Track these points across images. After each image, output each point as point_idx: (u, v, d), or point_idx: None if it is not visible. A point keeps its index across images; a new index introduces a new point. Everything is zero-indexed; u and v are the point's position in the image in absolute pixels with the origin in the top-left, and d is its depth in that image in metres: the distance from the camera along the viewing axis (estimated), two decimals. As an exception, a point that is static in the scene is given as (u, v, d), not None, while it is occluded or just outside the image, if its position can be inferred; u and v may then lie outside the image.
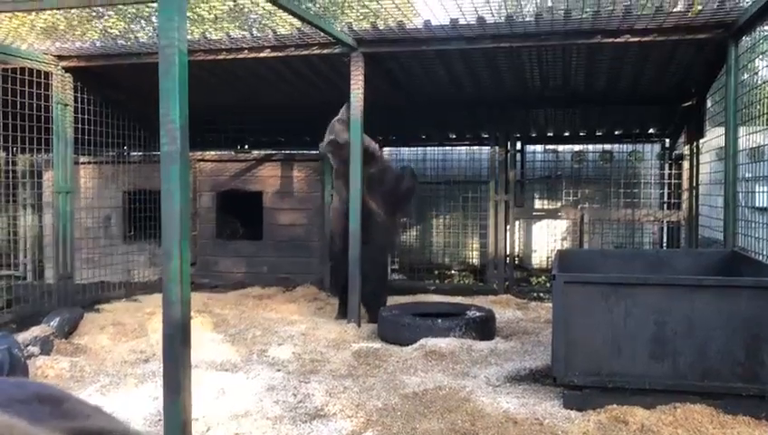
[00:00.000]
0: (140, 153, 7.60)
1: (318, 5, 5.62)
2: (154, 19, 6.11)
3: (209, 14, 5.86)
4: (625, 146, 8.02)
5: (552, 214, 7.75)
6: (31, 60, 5.88)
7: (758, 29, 4.79)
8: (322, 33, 5.21)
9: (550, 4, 6.43)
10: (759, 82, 5.24)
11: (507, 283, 7.34)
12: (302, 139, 8.82)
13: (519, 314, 5.91)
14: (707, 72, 6.18)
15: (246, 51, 5.74)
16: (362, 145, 5.53)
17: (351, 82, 5.43)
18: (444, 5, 4.67)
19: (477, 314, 4.93)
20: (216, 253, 7.91)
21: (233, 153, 8.17)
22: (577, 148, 8.39)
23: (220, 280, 7.72)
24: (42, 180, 7.48)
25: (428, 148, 8.71)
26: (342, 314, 5.61)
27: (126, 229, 7.75)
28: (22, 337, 4.43)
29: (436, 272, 8.55)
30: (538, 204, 8.48)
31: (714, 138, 6.41)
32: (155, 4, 3.94)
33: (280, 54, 5.71)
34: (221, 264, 7.88)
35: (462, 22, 5.03)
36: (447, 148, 8.69)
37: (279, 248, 7.72)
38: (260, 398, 3.63)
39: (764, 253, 4.48)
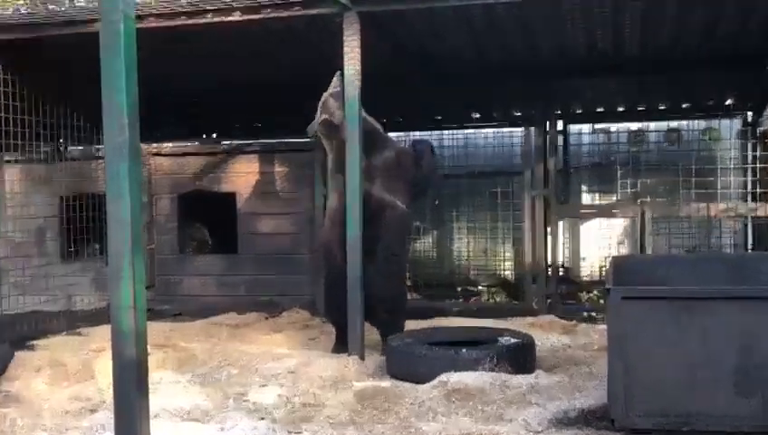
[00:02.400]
0: (80, 148, 7.63)
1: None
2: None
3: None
4: (696, 122, 8.07)
5: (604, 211, 7.74)
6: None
7: None
8: (305, -12, 5.27)
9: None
10: None
11: (549, 300, 7.36)
12: (286, 124, 8.79)
13: (565, 340, 5.93)
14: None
15: (211, 14, 5.65)
16: (361, 128, 5.53)
17: (345, 50, 5.35)
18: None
19: (512, 340, 4.93)
20: (180, 271, 7.93)
21: (198, 144, 8.19)
22: (635, 126, 8.36)
23: (185, 305, 7.72)
24: (-43, 186, 7.58)
25: (446, 131, 8.71)
26: (342, 344, 5.60)
27: (65, 245, 7.80)
28: (-65, 384, 4.46)
29: (459, 288, 8.56)
30: (587, 199, 8.48)
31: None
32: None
33: (254, 17, 5.62)
34: (186, 285, 7.90)
35: (486, -32, 5.05)
36: (470, 130, 8.69)
37: (259, 264, 7.73)
38: (238, 455, 3.61)
39: None
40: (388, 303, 5.66)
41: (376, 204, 5.63)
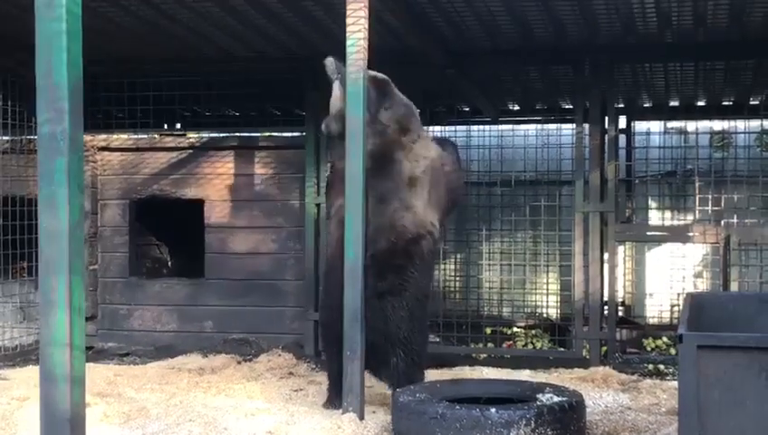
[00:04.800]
0: (6, 139, 7.63)
1: None
2: None
3: None
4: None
5: (678, 234, 7.68)
6: None
7: None
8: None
9: None
10: None
11: (605, 347, 7.27)
12: (270, 113, 8.81)
13: (624, 400, 5.94)
14: None
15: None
16: (364, 123, 5.44)
17: (348, 20, 5.38)
18: None
19: (555, 398, 4.91)
20: (130, 299, 7.90)
21: (156, 137, 8.19)
22: (719, 126, 8.32)
23: (135, 343, 7.70)
24: None
25: (475, 127, 8.69)
26: (337, 398, 5.57)
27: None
28: None
29: (488, 330, 8.48)
30: (655, 218, 8.41)
31: None
32: None
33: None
34: (137, 317, 7.88)
35: None
36: (506, 127, 8.65)
37: (231, 292, 7.69)
38: None
39: None
40: (411, 350, 5.73)
41: (415, 227, 5.61)
